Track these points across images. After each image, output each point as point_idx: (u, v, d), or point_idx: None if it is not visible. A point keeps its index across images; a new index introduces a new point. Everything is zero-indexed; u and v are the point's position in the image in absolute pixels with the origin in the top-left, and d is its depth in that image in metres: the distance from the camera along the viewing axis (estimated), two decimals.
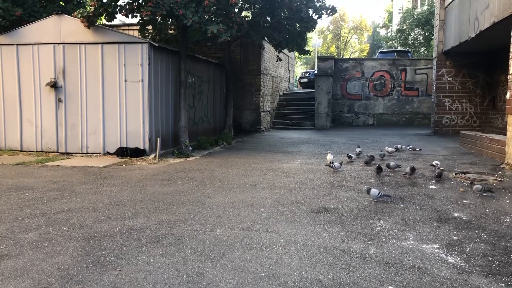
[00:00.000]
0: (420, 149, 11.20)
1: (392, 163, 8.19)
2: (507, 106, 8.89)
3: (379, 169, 7.77)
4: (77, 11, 10.26)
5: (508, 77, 8.88)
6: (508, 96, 8.80)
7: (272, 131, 18.68)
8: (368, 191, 6.07)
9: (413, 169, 7.61)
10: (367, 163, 9.10)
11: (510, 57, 8.67)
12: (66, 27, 10.54)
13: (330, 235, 4.63)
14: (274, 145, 13.18)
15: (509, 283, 3.47)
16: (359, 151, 10.37)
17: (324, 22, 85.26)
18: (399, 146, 11.13)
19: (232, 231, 4.76)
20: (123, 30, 15.47)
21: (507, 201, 6.02)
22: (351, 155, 9.70)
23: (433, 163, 8.41)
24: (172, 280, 3.53)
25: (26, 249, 4.21)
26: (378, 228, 4.87)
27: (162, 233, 4.68)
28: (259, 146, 12.95)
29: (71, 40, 10.53)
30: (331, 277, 3.57)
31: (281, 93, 23.06)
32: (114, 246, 4.30)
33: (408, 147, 11.26)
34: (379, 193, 5.99)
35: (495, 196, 6.25)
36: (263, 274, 3.65)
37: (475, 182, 6.68)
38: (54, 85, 10.64)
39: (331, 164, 8.45)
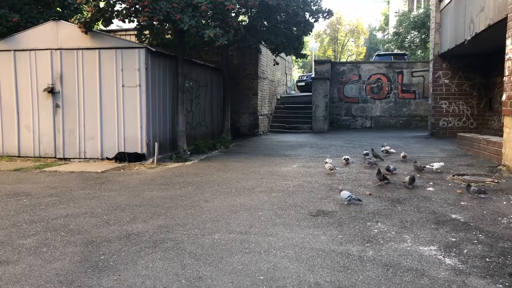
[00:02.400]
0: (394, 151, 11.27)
1: (391, 166, 8.23)
2: (503, 108, 8.93)
3: (385, 180, 7.32)
4: (74, 17, 10.31)
5: (504, 79, 8.93)
6: (504, 98, 8.84)
7: (269, 135, 18.70)
8: (340, 192, 6.16)
9: (412, 179, 7.08)
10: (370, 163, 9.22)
11: (506, 59, 8.72)
12: (63, 32, 10.56)
13: (328, 238, 4.64)
14: (272, 149, 13.19)
15: (506, 284, 3.48)
16: (370, 150, 10.34)
17: (321, 26, 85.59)
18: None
19: (230, 235, 4.77)
20: (120, 35, 15.51)
21: (504, 203, 6.04)
22: (347, 157, 9.75)
23: (431, 164, 8.46)
24: (170, 285, 3.53)
25: (24, 255, 4.21)
26: (376, 230, 4.88)
27: (160, 238, 4.68)
28: (257, 150, 12.97)
29: (68, 45, 10.55)
30: (329, 280, 3.58)
31: (279, 97, 23.10)
32: (113, 251, 4.30)
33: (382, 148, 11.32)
34: (348, 196, 6.00)
35: (492, 198, 6.27)
36: (261, 277, 3.65)
37: (471, 184, 6.70)
38: (51, 91, 10.65)
39: (329, 167, 8.51)
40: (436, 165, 8.34)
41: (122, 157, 10.20)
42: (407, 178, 7.14)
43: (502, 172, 8.33)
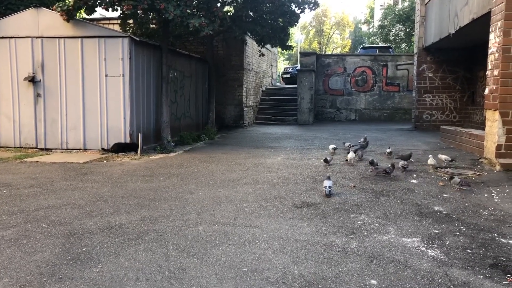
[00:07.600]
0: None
1: (375, 160, 8.27)
2: (485, 102, 9.04)
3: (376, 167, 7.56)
4: (56, 4, 10.06)
5: (486, 73, 9.03)
6: (486, 91, 8.95)
7: (255, 127, 18.67)
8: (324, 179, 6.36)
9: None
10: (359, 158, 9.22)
11: (489, 53, 8.81)
12: (45, 20, 10.32)
13: (313, 229, 4.65)
14: (257, 141, 13.17)
15: (487, 275, 3.53)
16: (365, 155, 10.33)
17: (306, 18, 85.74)
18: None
19: (214, 226, 4.75)
20: (103, 24, 15.20)
21: (486, 195, 6.13)
22: (328, 158, 9.57)
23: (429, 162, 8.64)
24: (154, 277, 3.50)
25: (3, 247, 4.12)
26: (359, 222, 4.91)
27: (144, 229, 4.63)
28: (242, 142, 12.93)
29: (50, 33, 10.31)
30: (313, 271, 3.59)
31: (264, 89, 23.04)
32: (95, 242, 4.24)
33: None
34: (326, 186, 6.09)
35: (474, 190, 6.36)
36: (245, 269, 3.64)
37: (454, 176, 6.78)
38: (32, 80, 10.42)
39: (328, 158, 8.70)
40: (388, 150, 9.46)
41: (119, 147, 10.06)
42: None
43: (484, 165, 8.45)
